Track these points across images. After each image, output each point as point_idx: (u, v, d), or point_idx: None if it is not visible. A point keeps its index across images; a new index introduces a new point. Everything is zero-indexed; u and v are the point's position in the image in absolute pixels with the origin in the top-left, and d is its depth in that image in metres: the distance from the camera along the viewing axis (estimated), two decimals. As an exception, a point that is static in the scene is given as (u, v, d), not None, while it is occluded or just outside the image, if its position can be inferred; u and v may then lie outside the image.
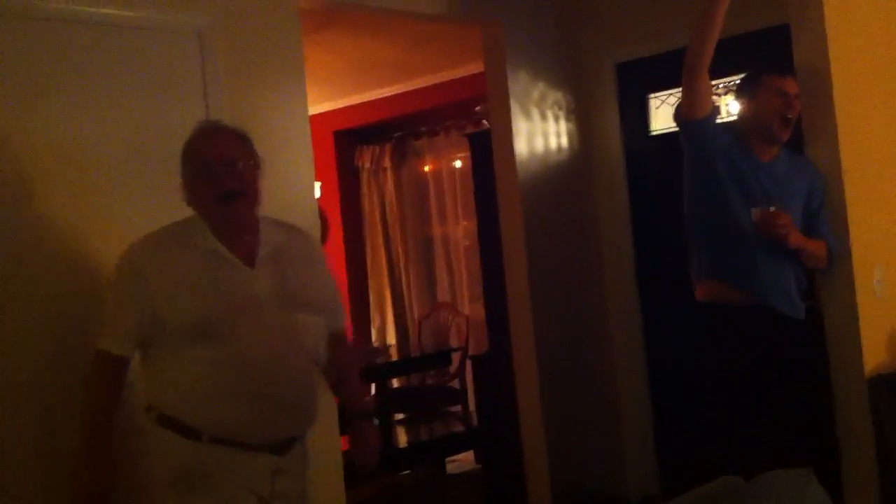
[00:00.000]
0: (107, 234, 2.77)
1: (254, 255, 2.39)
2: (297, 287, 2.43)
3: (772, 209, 3.11)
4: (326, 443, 3.13)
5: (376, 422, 2.46)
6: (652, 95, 4.48)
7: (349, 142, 7.55)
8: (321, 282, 2.56)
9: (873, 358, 3.42)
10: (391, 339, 7.38)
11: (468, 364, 6.25)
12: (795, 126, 3.34)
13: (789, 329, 3.20)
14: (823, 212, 3.34)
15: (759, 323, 3.17)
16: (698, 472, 2.39)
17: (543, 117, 4.45)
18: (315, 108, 6.68)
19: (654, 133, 4.49)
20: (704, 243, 3.30)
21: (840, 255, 3.36)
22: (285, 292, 2.40)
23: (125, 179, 2.88)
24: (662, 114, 4.44)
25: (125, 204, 2.86)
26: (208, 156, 2.36)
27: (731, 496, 2.26)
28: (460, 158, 6.98)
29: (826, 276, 3.39)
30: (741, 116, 3.36)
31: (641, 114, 4.51)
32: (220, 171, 2.34)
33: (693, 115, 3.21)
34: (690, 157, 3.32)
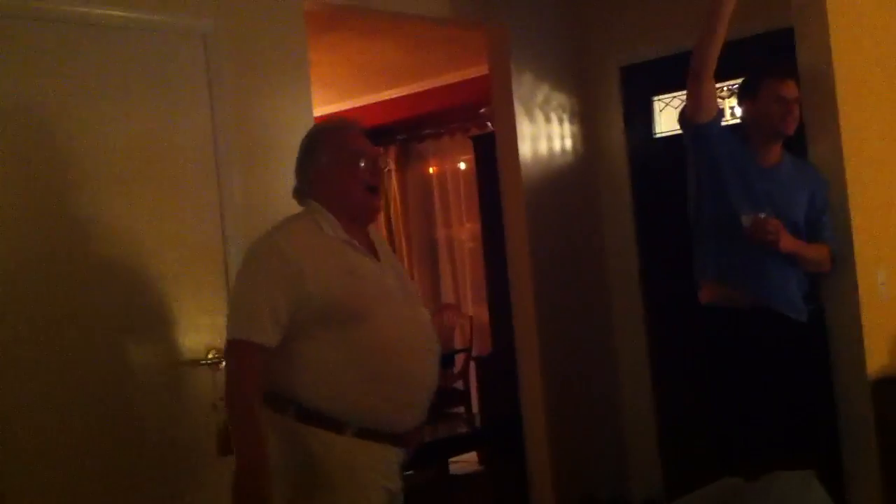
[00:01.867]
0: (110, 235, 2.79)
1: (374, 249, 2.44)
2: (411, 284, 2.53)
3: (762, 216, 3.12)
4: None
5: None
6: (656, 98, 4.49)
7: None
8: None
9: (877, 360, 3.43)
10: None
11: (472, 365, 6.27)
12: (798, 130, 3.35)
13: (792, 331, 3.21)
14: (826, 216, 3.35)
15: (762, 325, 3.18)
16: (701, 474, 2.40)
17: (548, 120, 4.46)
18: (320, 111, 6.68)
19: (659, 136, 4.49)
20: (709, 247, 3.31)
21: (843, 259, 3.37)
22: (406, 287, 2.47)
23: (129, 181, 2.89)
24: (667, 116, 4.45)
25: (129, 205, 2.87)
26: (361, 148, 2.41)
27: (733, 497, 2.27)
28: (464, 161, 6.99)
29: (829, 279, 3.40)
30: (744, 119, 3.38)
31: (646, 116, 4.52)
32: (370, 164, 2.40)
33: (698, 119, 3.22)
34: (695, 161, 3.33)
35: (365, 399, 2.28)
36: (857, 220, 3.40)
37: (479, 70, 5.22)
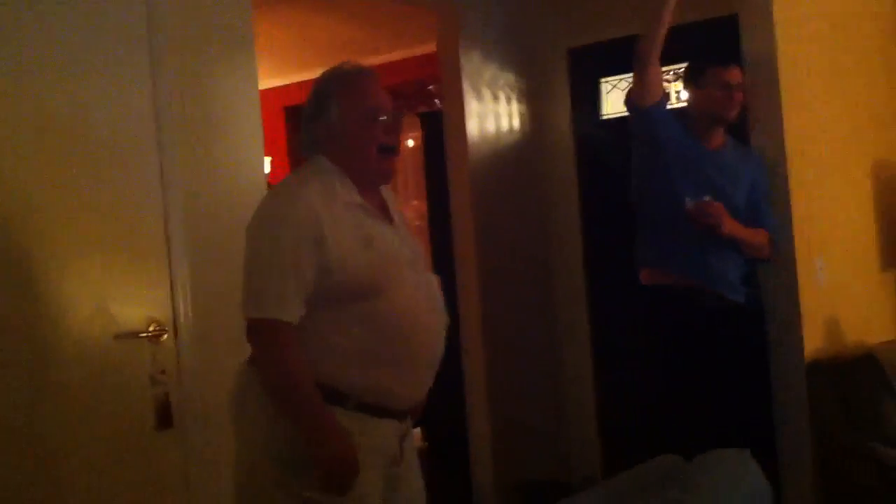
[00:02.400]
0: (47, 208, 2.72)
1: (387, 212, 2.26)
2: (418, 247, 2.33)
3: (706, 199, 3.16)
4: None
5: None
6: (603, 80, 4.51)
7: (300, 118, 7.47)
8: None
9: (812, 344, 3.50)
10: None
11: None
12: (741, 116, 3.39)
13: (729, 312, 3.26)
14: (766, 201, 3.40)
15: (700, 305, 3.22)
16: (639, 452, 2.43)
17: (496, 99, 4.46)
18: (266, 83, 6.61)
19: (605, 117, 4.52)
20: (651, 231, 3.34)
21: (782, 244, 3.42)
22: (416, 253, 2.29)
23: (66, 153, 2.81)
24: (614, 98, 4.47)
25: (65, 178, 2.79)
26: (377, 104, 2.19)
27: (670, 475, 2.30)
28: (412, 138, 6.96)
29: (769, 263, 3.46)
30: (688, 104, 3.41)
31: (593, 98, 4.54)
32: (387, 122, 2.18)
33: (643, 102, 3.26)
34: (640, 144, 3.36)
35: (371, 374, 2.15)
36: (797, 207, 3.46)
37: (427, 47, 5.19)
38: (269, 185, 3.39)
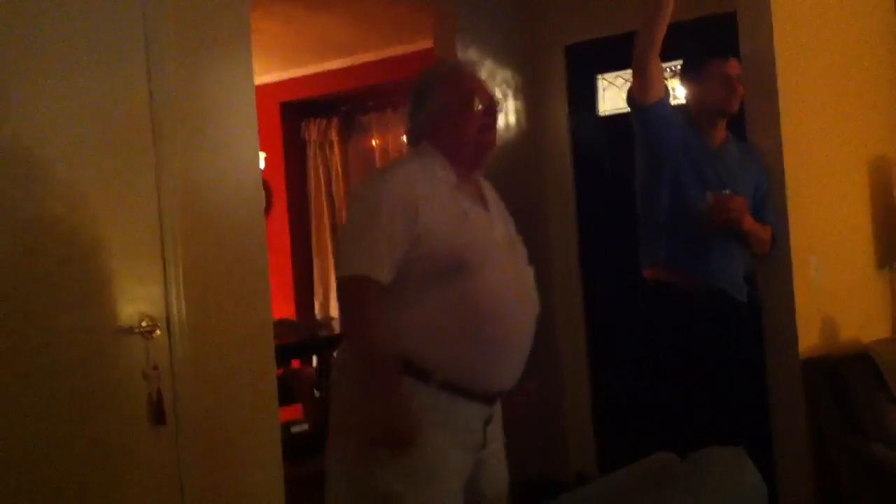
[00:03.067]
0: (42, 206, 2.71)
1: (484, 198, 2.38)
2: (517, 237, 2.43)
3: (726, 192, 3.15)
4: (263, 417, 3.10)
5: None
6: (600, 77, 4.50)
7: (296, 114, 7.48)
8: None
9: (806, 342, 3.50)
10: (334, 312, 7.36)
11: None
12: (739, 114, 3.38)
13: (733, 310, 3.23)
14: (768, 198, 3.39)
15: (707, 304, 3.19)
16: (636, 450, 2.43)
17: (492, 95, 4.44)
18: (262, 79, 6.60)
19: (602, 114, 4.51)
20: (658, 230, 3.30)
21: (778, 243, 3.42)
22: (513, 242, 2.40)
23: (62, 150, 2.80)
24: (610, 95, 4.46)
25: (60, 175, 2.77)
26: (474, 88, 2.36)
27: (666, 473, 2.30)
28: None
29: (766, 262, 3.45)
30: (688, 100, 3.39)
31: (589, 95, 4.53)
32: (484, 104, 2.35)
33: (647, 100, 3.21)
34: (645, 142, 3.30)
35: (458, 352, 2.20)
36: (792, 205, 3.46)
37: (424, 44, 5.19)
38: (263, 181, 3.38)
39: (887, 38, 4.15)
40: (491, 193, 2.44)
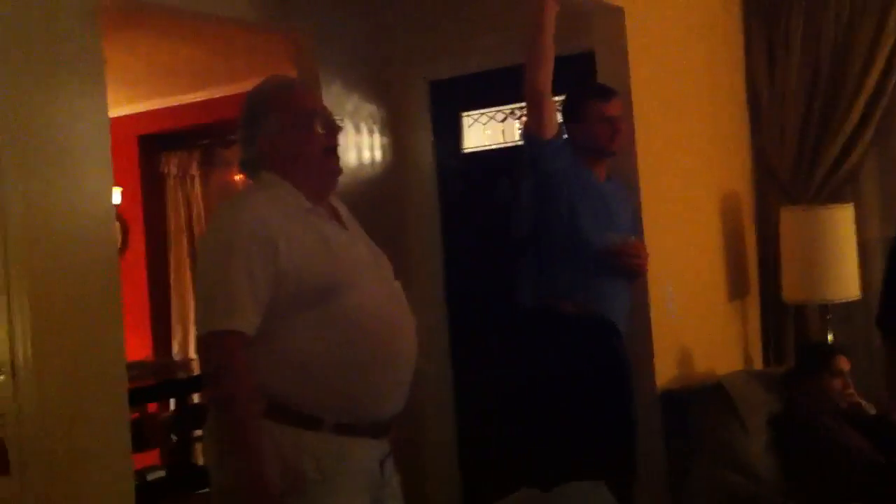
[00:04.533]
0: None
1: (339, 216, 2.26)
2: (380, 252, 2.32)
3: (632, 238, 3.18)
4: (116, 464, 2.96)
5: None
6: (465, 114, 4.54)
7: (155, 147, 7.28)
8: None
9: (664, 374, 3.58)
10: (193, 353, 7.15)
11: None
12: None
13: (617, 342, 3.24)
14: (641, 233, 3.44)
15: (592, 334, 3.18)
16: (500, 485, 2.41)
17: (357, 130, 4.42)
18: (119, 111, 6.40)
19: (467, 151, 4.55)
20: (547, 264, 3.29)
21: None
22: (376, 256, 2.28)
23: None
24: (474, 132, 4.51)
25: None
26: (312, 108, 2.23)
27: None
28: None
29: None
30: (571, 140, 3.37)
31: (454, 131, 4.56)
32: (324, 123, 2.22)
33: (544, 135, 3.20)
34: (537, 177, 3.25)
35: (342, 385, 2.08)
36: (649, 238, 3.54)
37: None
38: (119, 216, 3.25)
39: (736, 78, 4.34)
40: (344, 211, 2.33)
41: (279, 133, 2.21)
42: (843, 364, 3.48)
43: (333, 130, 2.26)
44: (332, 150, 2.25)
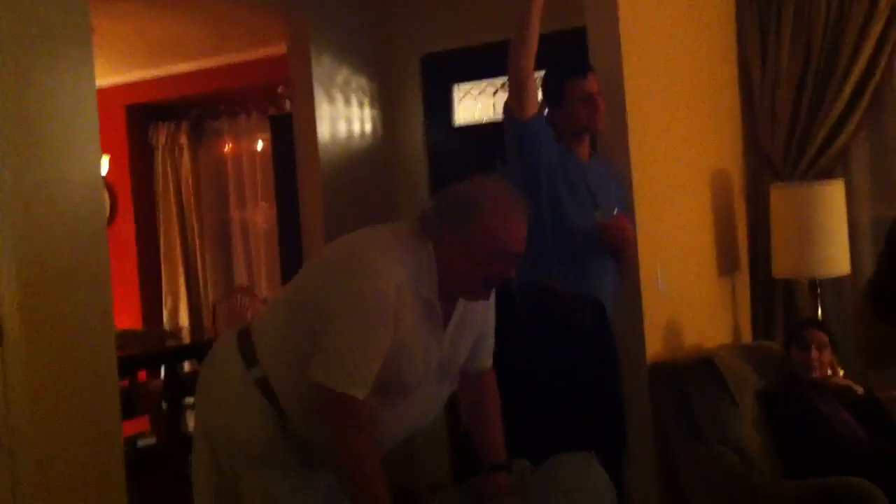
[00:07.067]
0: None
1: (449, 316, 2.20)
2: (461, 355, 2.29)
3: (615, 213, 3.17)
4: (106, 432, 2.97)
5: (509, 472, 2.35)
6: (456, 87, 4.52)
7: (143, 117, 7.25)
8: (486, 333, 2.39)
9: (653, 348, 3.60)
10: (184, 321, 7.17)
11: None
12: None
13: (603, 319, 3.25)
14: (629, 212, 3.43)
15: (577, 308, 3.19)
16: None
17: (347, 102, 4.41)
18: (107, 80, 6.36)
19: (457, 125, 4.53)
20: (532, 244, 3.27)
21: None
22: (450, 363, 2.26)
23: None
24: (465, 106, 4.49)
25: None
26: (507, 248, 2.14)
27: (519, 479, 2.32)
28: (262, 140, 6.84)
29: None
30: (551, 120, 3.35)
31: (445, 105, 4.55)
32: (510, 263, 2.16)
33: (524, 114, 3.17)
34: (521, 157, 3.24)
35: None
36: (640, 214, 3.54)
37: (277, 49, 5.09)
38: (108, 185, 3.24)
39: (729, 58, 4.33)
40: (459, 311, 2.24)
41: (463, 242, 2.14)
42: (816, 336, 3.49)
43: (507, 273, 2.19)
44: (492, 284, 2.21)
